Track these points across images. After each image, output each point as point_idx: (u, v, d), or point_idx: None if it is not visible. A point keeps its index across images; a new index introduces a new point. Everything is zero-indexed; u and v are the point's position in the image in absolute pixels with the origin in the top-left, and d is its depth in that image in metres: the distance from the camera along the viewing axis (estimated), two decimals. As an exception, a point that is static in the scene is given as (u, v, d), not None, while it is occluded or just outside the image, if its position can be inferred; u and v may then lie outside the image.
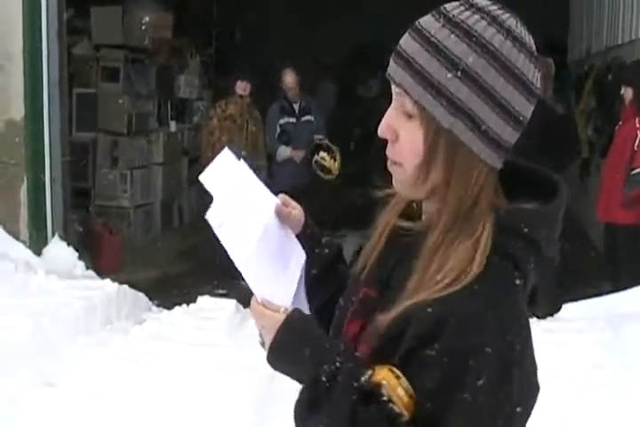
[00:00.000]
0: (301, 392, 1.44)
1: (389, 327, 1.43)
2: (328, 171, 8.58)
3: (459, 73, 1.39)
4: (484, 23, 1.40)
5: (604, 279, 7.27)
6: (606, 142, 8.08)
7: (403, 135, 1.45)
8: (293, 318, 1.46)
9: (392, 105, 1.47)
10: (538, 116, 5.85)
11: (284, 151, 8.71)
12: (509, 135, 1.44)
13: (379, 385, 1.38)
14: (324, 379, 1.40)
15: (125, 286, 6.67)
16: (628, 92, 6.79)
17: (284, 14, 15.29)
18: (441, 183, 1.45)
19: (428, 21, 1.43)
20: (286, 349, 1.45)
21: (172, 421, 4.59)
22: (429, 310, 1.38)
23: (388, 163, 1.50)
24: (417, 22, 1.45)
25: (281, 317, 1.46)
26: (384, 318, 1.44)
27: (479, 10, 1.41)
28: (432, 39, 1.40)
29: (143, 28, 10.33)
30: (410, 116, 1.44)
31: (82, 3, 9.45)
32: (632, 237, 6.79)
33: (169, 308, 6.60)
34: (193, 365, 5.30)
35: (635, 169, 6.53)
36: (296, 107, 8.89)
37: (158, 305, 6.94)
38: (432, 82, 1.40)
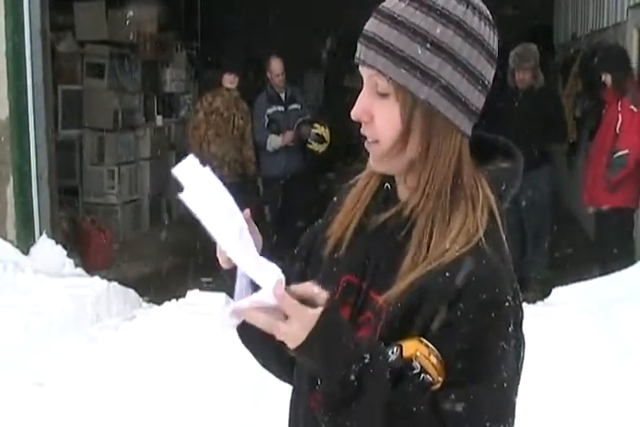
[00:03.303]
0: (328, 392, 1.41)
1: (402, 302, 1.48)
2: (322, 140, 8.62)
3: (428, 45, 1.47)
4: (451, 0, 1.49)
5: (594, 263, 7.28)
6: (593, 126, 8.09)
7: (378, 115, 1.52)
8: (330, 307, 1.41)
9: (364, 89, 1.54)
10: (532, 103, 5.77)
11: (274, 140, 8.66)
12: (477, 99, 1.54)
13: (410, 359, 1.41)
14: (352, 378, 1.38)
15: (115, 283, 6.66)
16: (607, 79, 6.79)
17: (269, 5, 15.23)
18: (419, 155, 1.52)
19: (391, 3, 1.51)
20: (322, 340, 1.39)
21: (165, 417, 4.59)
22: (447, 274, 1.45)
23: (366, 143, 1.56)
24: (380, 6, 1.52)
25: (317, 312, 1.39)
26: (390, 295, 1.49)
27: None
28: (399, 18, 1.48)
29: (127, 22, 10.28)
30: (384, 95, 1.51)
31: (65, -1, 9.41)
32: (619, 221, 6.81)
33: (159, 303, 6.58)
34: (185, 359, 5.29)
35: (617, 152, 6.54)
36: (283, 96, 8.86)
37: (149, 301, 6.93)
38: (404, 57, 1.47)
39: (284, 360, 1.63)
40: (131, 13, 10.35)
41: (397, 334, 1.47)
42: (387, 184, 1.63)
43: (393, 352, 1.43)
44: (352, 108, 1.56)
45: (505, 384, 1.46)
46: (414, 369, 1.42)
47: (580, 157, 9.87)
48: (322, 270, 1.66)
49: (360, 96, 1.54)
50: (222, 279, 1.67)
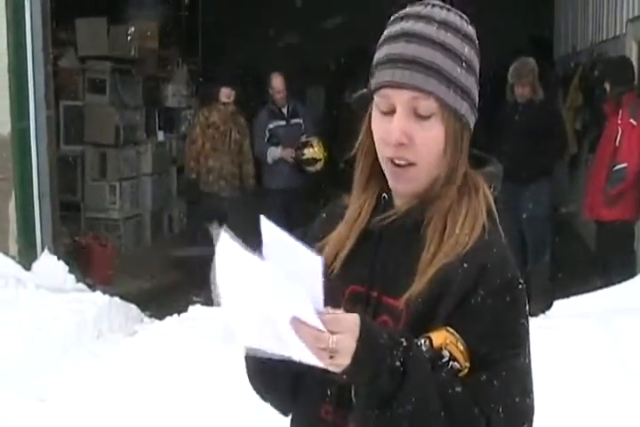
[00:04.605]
0: (375, 388, 1.42)
1: (422, 297, 1.54)
2: (314, 161, 8.60)
3: (463, 64, 1.58)
4: (457, 18, 1.59)
5: (595, 275, 7.29)
6: (594, 139, 8.10)
7: (419, 136, 1.56)
8: (362, 317, 1.44)
9: (400, 112, 1.56)
10: (532, 117, 5.78)
11: (274, 151, 8.69)
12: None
13: (440, 348, 1.48)
14: (397, 364, 1.41)
15: (116, 298, 6.66)
16: (608, 87, 6.82)
17: (271, 21, 15.30)
18: (448, 168, 1.60)
19: (419, 26, 1.56)
20: (375, 345, 1.41)
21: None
22: (465, 265, 1.54)
23: (393, 168, 1.59)
24: (408, 30, 1.56)
25: (355, 315, 1.41)
26: (413, 293, 1.54)
27: (443, 8, 1.60)
28: (436, 40, 1.55)
29: (129, 38, 10.32)
30: (425, 117, 1.56)
31: (66, 15, 9.43)
32: (619, 233, 6.81)
33: (160, 318, 6.58)
34: (186, 374, 5.28)
35: (616, 165, 6.54)
36: (284, 110, 8.88)
37: (150, 316, 6.92)
38: (450, 78, 1.56)
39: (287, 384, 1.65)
40: (132, 29, 10.38)
41: (421, 329, 1.51)
42: (384, 195, 1.67)
43: (422, 344, 1.48)
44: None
45: (527, 359, 1.55)
46: (443, 358, 1.48)
47: (580, 170, 9.89)
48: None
49: (397, 119, 1.56)
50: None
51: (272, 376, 1.66)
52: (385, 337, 1.42)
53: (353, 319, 1.40)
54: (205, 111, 8.79)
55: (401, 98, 1.55)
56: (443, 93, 1.55)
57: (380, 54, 1.60)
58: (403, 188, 1.62)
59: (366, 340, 1.39)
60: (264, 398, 1.77)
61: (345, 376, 1.41)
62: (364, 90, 1.73)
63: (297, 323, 1.36)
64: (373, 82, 1.60)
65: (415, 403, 1.42)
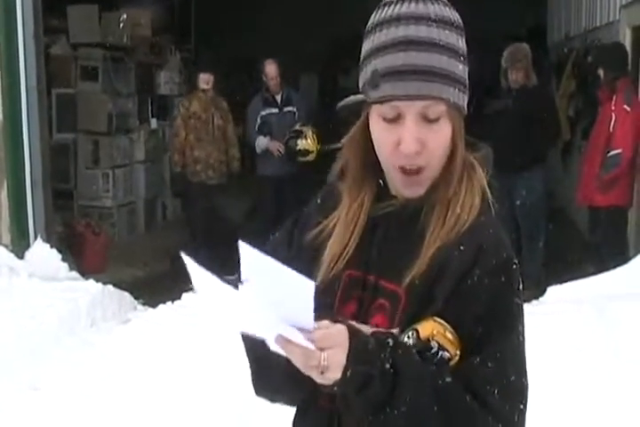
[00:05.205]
0: (370, 393, 1.42)
1: (420, 280, 1.55)
2: (307, 152, 8.56)
3: (461, 58, 1.58)
4: (447, 9, 1.57)
5: (588, 261, 7.30)
6: (587, 125, 8.10)
7: (431, 140, 1.56)
8: (349, 326, 1.44)
9: (410, 121, 1.54)
10: (525, 103, 5.75)
11: (261, 141, 8.66)
12: None
13: (428, 340, 1.49)
14: (387, 366, 1.42)
15: (110, 286, 6.65)
16: (602, 73, 6.81)
17: (264, 8, 15.24)
18: (451, 161, 1.61)
19: (413, 29, 1.53)
20: (364, 354, 1.41)
21: (161, 421, 4.57)
22: (462, 247, 1.56)
23: (407, 171, 1.58)
24: (409, 36, 1.53)
25: (343, 327, 1.41)
26: (415, 275, 1.55)
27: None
28: (441, 43, 1.53)
29: (121, 25, 10.28)
30: (434, 120, 1.55)
31: (58, 2, 9.38)
32: (612, 219, 6.81)
33: (154, 306, 6.58)
34: (180, 362, 5.28)
35: (611, 151, 6.54)
36: (278, 98, 8.85)
37: (143, 304, 6.92)
38: (456, 78, 1.56)
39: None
40: (124, 16, 10.33)
41: (420, 311, 1.54)
42: (380, 180, 1.67)
43: (409, 337, 1.49)
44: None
45: (521, 338, 1.56)
46: (432, 349, 1.49)
47: (574, 157, 9.89)
48: (320, 272, 1.68)
49: (409, 129, 1.54)
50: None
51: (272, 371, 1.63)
52: (372, 342, 1.42)
53: (342, 332, 1.40)
54: (186, 102, 8.77)
55: (413, 108, 1.54)
56: (453, 96, 1.55)
57: (379, 62, 1.55)
58: (412, 192, 1.61)
59: (355, 352, 1.39)
60: (272, 400, 1.77)
61: (335, 388, 1.42)
62: (352, 96, 1.68)
63: (284, 342, 1.36)
64: (378, 94, 1.55)
65: (409, 403, 1.43)
